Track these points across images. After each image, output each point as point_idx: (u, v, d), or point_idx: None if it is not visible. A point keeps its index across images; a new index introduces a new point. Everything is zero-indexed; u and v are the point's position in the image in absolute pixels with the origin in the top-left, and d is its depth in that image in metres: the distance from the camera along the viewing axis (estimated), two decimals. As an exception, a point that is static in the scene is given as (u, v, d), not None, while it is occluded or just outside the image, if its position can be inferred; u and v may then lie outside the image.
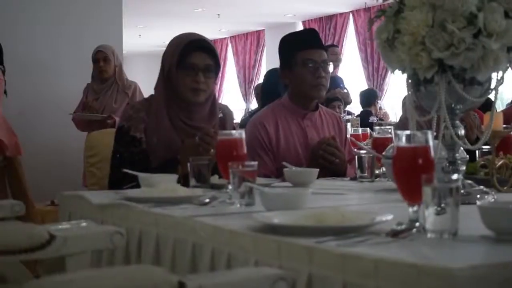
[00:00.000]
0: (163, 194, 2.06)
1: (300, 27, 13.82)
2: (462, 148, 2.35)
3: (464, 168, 2.08)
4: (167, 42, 3.02)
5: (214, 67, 2.69)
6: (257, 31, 15.07)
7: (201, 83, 2.64)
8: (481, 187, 2.09)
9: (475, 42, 1.85)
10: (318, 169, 2.56)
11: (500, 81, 1.99)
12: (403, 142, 1.49)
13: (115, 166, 2.64)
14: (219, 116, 2.75)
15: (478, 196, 2.03)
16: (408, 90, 2.05)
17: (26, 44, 5.44)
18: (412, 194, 1.45)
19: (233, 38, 15.83)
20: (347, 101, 6.69)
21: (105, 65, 5.13)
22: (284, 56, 3.09)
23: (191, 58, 2.64)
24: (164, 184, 2.16)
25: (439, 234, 1.38)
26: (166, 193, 2.06)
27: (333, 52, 6.62)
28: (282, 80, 3.13)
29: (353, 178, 2.74)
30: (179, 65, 2.64)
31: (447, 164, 2.06)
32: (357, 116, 6.87)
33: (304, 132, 3.07)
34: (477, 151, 2.71)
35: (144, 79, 18.75)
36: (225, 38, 16.06)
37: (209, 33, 15.34)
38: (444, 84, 1.94)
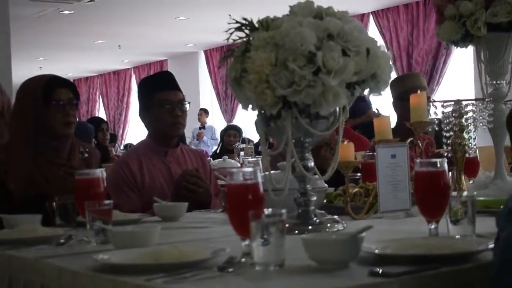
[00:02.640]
0: (22, 235, 2.06)
1: (202, 57, 13.93)
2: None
3: (314, 198, 2.16)
4: (69, 74, 3.06)
5: (76, 100, 2.81)
6: (159, 61, 15.11)
7: (71, 116, 2.73)
8: (334, 216, 2.18)
9: (315, 79, 1.95)
10: (187, 203, 2.62)
11: (343, 114, 2.09)
12: (233, 179, 1.55)
13: None
14: (85, 156, 2.80)
15: (329, 225, 2.13)
16: (258, 126, 2.13)
17: None
18: (243, 229, 1.52)
19: (136, 68, 15.82)
20: None
21: (-7, 100, 5.04)
22: (142, 98, 3.24)
23: (57, 94, 2.70)
24: (25, 224, 2.17)
25: (265, 266, 1.44)
26: (25, 234, 2.07)
27: None
28: (142, 120, 3.24)
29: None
30: (46, 102, 2.69)
31: (299, 195, 2.15)
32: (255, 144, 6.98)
33: (167, 167, 3.19)
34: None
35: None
36: (128, 68, 16.01)
37: (111, 64, 15.34)
38: (290, 120, 2.02)
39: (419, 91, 2.61)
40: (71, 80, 15.44)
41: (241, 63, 2.04)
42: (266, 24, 2.09)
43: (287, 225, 2.09)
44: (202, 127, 12.62)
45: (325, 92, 1.95)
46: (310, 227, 2.10)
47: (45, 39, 11.72)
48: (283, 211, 1.48)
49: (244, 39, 2.07)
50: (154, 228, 1.82)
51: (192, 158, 3.29)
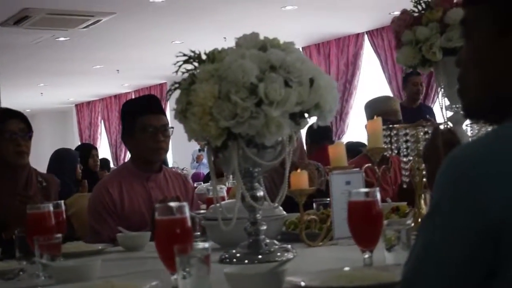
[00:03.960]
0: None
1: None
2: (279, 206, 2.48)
3: (265, 227, 2.17)
4: (71, 99, 3.07)
5: (27, 131, 2.89)
6: (159, 84, 15.18)
7: (23, 146, 2.80)
8: (286, 245, 2.20)
9: (258, 111, 1.97)
10: (149, 232, 2.64)
11: (290, 143, 2.11)
12: (161, 214, 1.58)
13: None
14: (43, 185, 2.83)
15: (279, 254, 2.14)
16: (208, 157, 2.16)
17: None
18: (170, 262, 1.53)
19: (137, 91, 15.89)
20: None
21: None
22: (125, 122, 3.21)
23: (8, 126, 2.77)
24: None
25: (189, 301, 1.46)
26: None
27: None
28: (124, 144, 3.23)
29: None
30: None
31: (249, 225, 2.17)
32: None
33: (148, 193, 3.16)
34: (314, 204, 2.85)
35: (49, 134, 18.50)
36: (129, 92, 16.09)
37: (112, 88, 15.44)
38: (236, 151, 2.05)
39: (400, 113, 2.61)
40: (73, 104, 15.52)
41: (186, 96, 2.07)
42: (213, 56, 2.12)
43: (238, 255, 2.15)
44: (202, 149, 12.65)
45: (268, 123, 1.98)
46: (260, 256, 2.11)
47: (44, 65, 11.82)
48: (207, 245, 1.50)
49: (190, 72, 2.11)
50: (93, 262, 1.84)
51: (174, 183, 3.28)
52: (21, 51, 10.32)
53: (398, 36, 2.72)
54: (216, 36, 10.23)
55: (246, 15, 8.85)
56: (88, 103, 17.62)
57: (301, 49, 11.58)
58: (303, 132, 6.12)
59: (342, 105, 10.76)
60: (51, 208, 2.17)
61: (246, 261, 2.10)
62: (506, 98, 1.21)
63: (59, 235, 2.05)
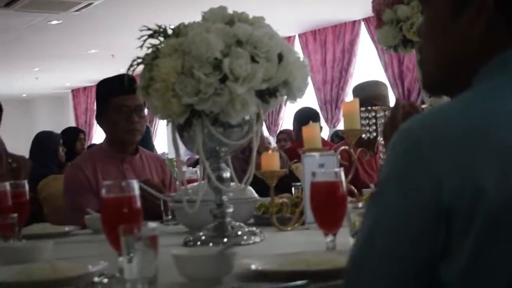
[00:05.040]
0: None
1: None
2: (251, 188, 2.40)
3: (231, 210, 2.09)
4: (67, 84, 2.98)
5: None
6: (156, 70, 15.04)
7: None
8: (253, 228, 2.12)
9: (222, 87, 1.88)
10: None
11: (258, 122, 2.02)
12: (108, 192, 1.49)
13: None
14: (13, 166, 2.74)
15: (245, 237, 2.06)
16: (173, 135, 2.07)
17: None
18: (116, 244, 1.45)
19: (133, 77, 15.75)
20: None
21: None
22: (99, 102, 3.11)
23: None
24: None
25: (134, 283, 1.37)
26: None
27: None
28: (99, 125, 3.13)
29: (162, 221, 2.73)
30: None
31: (215, 207, 2.08)
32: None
33: (123, 175, 3.06)
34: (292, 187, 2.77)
35: (45, 119, 18.44)
36: (125, 78, 15.95)
37: (107, 73, 15.23)
38: (201, 129, 1.96)
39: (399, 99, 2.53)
40: (69, 90, 15.37)
41: (149, 71, 1.99)
42: (178, 30, 2.03)
43: (203, 238, 2.07)
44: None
45: (233, 100, 1.89)
46: (225, 240, 2.04)
47: (38, 49, 11.70)
48: (154, 225, 1.42)
49: (154, 47, 2.02)
50: (43, 244, 1.76)
51: (151, 165, 3.19)
52: (13, 34, 10.20)
53: (378, 15, 2.63)
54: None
55: (241, 1, 8.72)
56: (85, 88, 17.49)
57: (297, 36, 11.50)
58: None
59: (338, 93, 10.67)
60: (8, 188, 2.09)
61: (211, 244, 2.02)
62: (462, 73, 1.12)
63: (14, 215, 1.97)
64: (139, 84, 2.02)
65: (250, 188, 2.43)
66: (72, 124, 17.10)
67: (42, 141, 5.13)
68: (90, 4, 8.57)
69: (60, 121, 18.40)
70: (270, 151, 2.27)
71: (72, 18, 9.28)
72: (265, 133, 11.20)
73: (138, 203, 1.48)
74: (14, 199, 2.22)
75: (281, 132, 8.50)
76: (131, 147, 3.11)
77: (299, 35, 11.40)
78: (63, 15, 9.10)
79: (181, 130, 2.04)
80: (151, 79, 1.96)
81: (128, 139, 3.05)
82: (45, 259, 1.71)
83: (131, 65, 2.03)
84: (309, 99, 10.89)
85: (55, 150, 5.17)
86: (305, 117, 5.06)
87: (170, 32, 2.04)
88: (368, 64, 10.64)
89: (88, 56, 12.73)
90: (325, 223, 1.65)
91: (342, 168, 1.69)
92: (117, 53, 12.54)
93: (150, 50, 2.02)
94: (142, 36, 2.06)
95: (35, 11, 8.81)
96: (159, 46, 2.01)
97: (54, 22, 9.60)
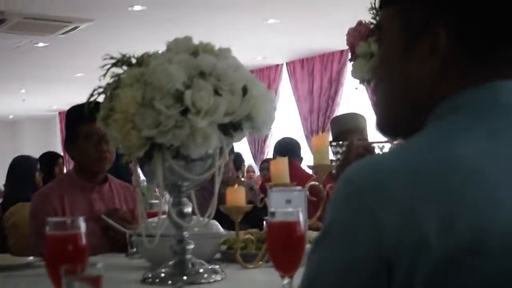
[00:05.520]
0: None
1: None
2: (216, 223, 2.34)
3: (192, 246, 2.02)
4: (54, 106, 2.91)
5: None
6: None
7: None
8: (215, 266, 2.05)
9: (183, 120, 1.83)
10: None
11: (221, 157, 1.97)
12: (53, 229, 1.42)
13: None
14: None
15: (206, 275, 1.99)
16: (134, 169, 2.01)
17: None
18: (59, 284, 1.38)
19: (120, 102, 15.70)
20: None
21: None
22: (67, 129, 3.05)
23: None
24: None
25: (72, 328, 1.30)
26: None
27: None
28: (67, 153, 3.07)
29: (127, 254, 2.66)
30: None
31: (175, 243, 2.02)
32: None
33: (90, 205, 3.00)
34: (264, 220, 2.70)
35: (32, 142, 18.34)
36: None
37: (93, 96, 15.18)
38: (161, 163, 1.90)
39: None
40: (56, 112, 15.30)
41: (110, 101, 1.93)
42: (141, 60, 1.98)
43: (162, 275, 2.00)
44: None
45: (194, 133, 1.83)
46: (185, 278, 1.97)
47: (24, 71, 11.63)
48: (99, 265, 1.35)
49: (116, 76, 1.96)
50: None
51: (120, 195, 3.12)
52: (0, 55, 10.16)
53: (352, 48, 2.59)
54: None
55: (228, 27, 8.72)
56: (72, 111, 17.41)
57: (285, 64, 11.48)
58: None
59: (324, 122, 10.63)
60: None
61: (170, 282, 1.95)
62: (413, 115, 1.07)
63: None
64: (99, 114, 1.96)
65: (216, 222, 2.37)
66: (59, 146, 17.02)
67: (18, 165, 5.06)
68: (76, 27, 8.55)
69: (47, 142, 18.31)
70: (236, 185, 2.20)
71: (59, 41, 9.25)
72: (251, 162, 11.15)
73: (84, 241, 1.41)
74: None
75: (264, 161, 8.46)
76: (100, 175, 3.03)
77: (287, 64, 11.39)
78: (50, 37, 9.07)
79: (142, 162, 1.98)
80: (111, 109, 1.91)
81: (97, 168, 2.98)
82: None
83: (92, 94, 1.97)
84: (295, 128, 10.85)
85: (31, 175, 5.09)
86: (284, 148, 5.01)
87: (133, 61, 1.99)
88: (355, 93, 10.62)
89: (75, 80, 12.68)
90: (281, 266, 1.58)
91: (300, 209, 1.62)
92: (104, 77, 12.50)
93: (111, 80, 1.96)
94: (105, 65, 2.00)
95: (22, 33, 8.77)
96: (121, 76, 1.95)
97: (41, 44, 9.56)
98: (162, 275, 1.99)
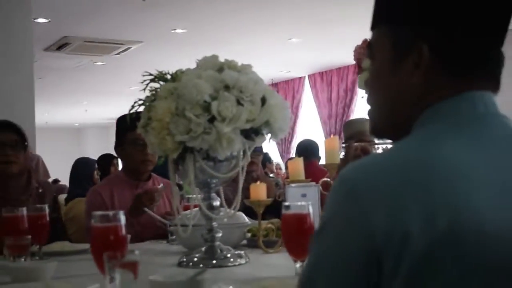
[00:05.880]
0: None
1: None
2: (243, 214, 2.33)
3: (220, 234, 2.02)
4: (111, 115, 2.91)
5: (20, 142, 2.62)
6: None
7: (11, 156, 2.56)
8: (240, 251, 2.05)
9: (210, 127, 1.83)
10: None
11: (244, 158, 1.96)
12: (97, 221, 1.43)
13: None
14: (39, 191, 2.67)
15: (232, 259, 1.99)
16: (170, 169, 2.01)
17: None
18: (102, 268, 1.38)
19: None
20: None
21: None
22: (117, 136, 3.07)
23: None
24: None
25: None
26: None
27: None
28: (117, 155, 3.09)
29: (168, 241, 2.66)
30: None
31: (206, 232, 2.02)
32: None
33: (136, 199, 3.00)
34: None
35: (93, 145, 18.49)
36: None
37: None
38: (192, 163, 1.91)
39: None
40: (114, 120, 15.53)
41: (148, 111, 1.93)
42: (175, 76, 1.98)
43: (195, 259, 1.99)
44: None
45: (220, 138, 1.84)
46: (214, 261, 1.97)
47: (85, 86, 11.78)
48: (136, 252, 1.35)
49: (153, 90, 1.97)
50: (47, 264, 1.70)
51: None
52: (65, 74, 10.28)
53: (359, 63, 2.56)
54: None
55: (257, 46, 8.72)
56: (127, 119, 17.53)
57: (307, 76, 11.44)
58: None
59: (341, 126, 10.56)
60: (24, 213, 2.03)
61: (201, 265, 1.95)
62: (403, 121, 1.05)
63: (28, 237, 1.91)
64: (139, 122, 1.97)
65: (242, 214, 2.36)
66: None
67: (79, 166, 5.10)
68: (128, 48, 8.62)
69: (106, 146, 18.47)
70: (258, 182, 2.19)
71: (114, 60, 9.33)
72: (279, 160, 11.13)
73: (123, 232, 1.42)
74: (36, 220, 2.17)
75: (289, 159, 8.40)
76: (144, 175, 3.05)
77: (309, 76, 11.36)
78: (106, 57, 9.15)
79: (176, 164, 1.98)
80: (149, 119, 1.91)
81: (141, 169, 3.00)
82: (45, 278, 1.64)
83: (133, 106, 1.97)
84: (316, 131, 10.81)
85: (90, 174, 5.13)
86: (305, 148, 4.99)
87: (168, 77, 1.99)
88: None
89: (130, 92, 12.75)
90: (294, 251, 1.57)
91: (311, 203, 1.60)
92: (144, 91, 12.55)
93: (150, 93, 1.97)
94: (145, 81, 2.01)
95: (82, 54, 8.86)
96: (158, 90, 1.96)
97: (99, 63, 9.66)
98: (195, 259, 1.99)
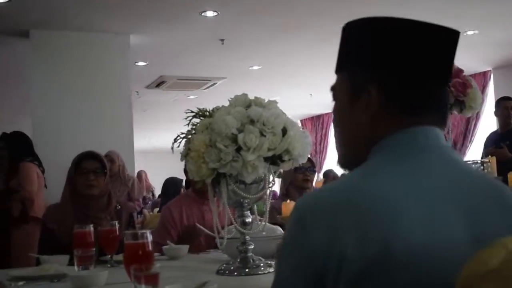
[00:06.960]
0: (33, 273, 2.03)
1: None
2: (279, 228, 2.31)
3: (252, 246, 2.02)
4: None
5: (101, 169, 2.70)
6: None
7: (93, 181, 2.66)
8: (270, 261, 2.03)
9: (238, 155, 1.84)
10: (187, 246, 2.54)
11: (271, 183, 1.96)
12: (128, 239, 1.46)
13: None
14: (117, 208, 2.76)
15: (262, 268, 1.98)
16: (209, 191, 2.03)
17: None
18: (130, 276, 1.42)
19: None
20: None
21: (111, 165, 5.20)
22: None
23: (83, 164, 2.67)
24: (47, 264, 2.14)
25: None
26: (36, 272, 2.03)
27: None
28: (185, 175, 3.16)
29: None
30: (76, 171, 2.68)
31: (240, 244, 2.02)
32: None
33: (202, 214, 3.07)
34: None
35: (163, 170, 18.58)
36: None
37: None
38: (225, 186, 1.92)
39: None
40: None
41: (188, 143, 1.97)
42: (212, 112, 2.01)
43: (231, 268, 2.00)
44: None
45: (245, 165, 1.84)
46: (247, 270, 1.97)
47: (180, 117, 11.95)
48: (157, 265, 1.37)
49: (194, 125, 2.01)
50: (100, 272, 1.75)
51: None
52: (163, 106, 10.60)
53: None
54: (304, 92, 10.14)
55: (328, 76, 8.65)
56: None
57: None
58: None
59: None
60: (91, 229, 2.11)
61: (235, 273, 1.96)
62: (360, 153, 1.02)
63: (93, 249, 1.98)
64: (181, 152, 2.00)
65: (278, 227, 2.35)
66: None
67: (168, 184, 5.25)
68: (215, 83, 8.79)
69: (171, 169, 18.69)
70: (288, 201, 2.18)
71: (204, 93, 9.54)
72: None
73: (150, 248, 1.44)
74: (108, 234, 2.25)
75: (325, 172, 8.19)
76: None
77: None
78: (197, 91, 9.37)
79: (214, 187, 2.00)
80: (189, 149, 1.95)
81: (205, 189, 3.03)
82: (103, 284, 1.69)
83: (175, 140, 2.02)
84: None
85: (177, 190, 5.27)
86: (327, 174, 4.87)
87: (206, 113, 2.02)
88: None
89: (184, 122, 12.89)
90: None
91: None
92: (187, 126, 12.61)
93: (190, 127, 2.01)
94: (188, 117, 2.05)
95: (177, 90, 9.13)
96: (197, 125, 1.99)
97: (191, 97, 9.89)
98: (232, 268, 1.99)
